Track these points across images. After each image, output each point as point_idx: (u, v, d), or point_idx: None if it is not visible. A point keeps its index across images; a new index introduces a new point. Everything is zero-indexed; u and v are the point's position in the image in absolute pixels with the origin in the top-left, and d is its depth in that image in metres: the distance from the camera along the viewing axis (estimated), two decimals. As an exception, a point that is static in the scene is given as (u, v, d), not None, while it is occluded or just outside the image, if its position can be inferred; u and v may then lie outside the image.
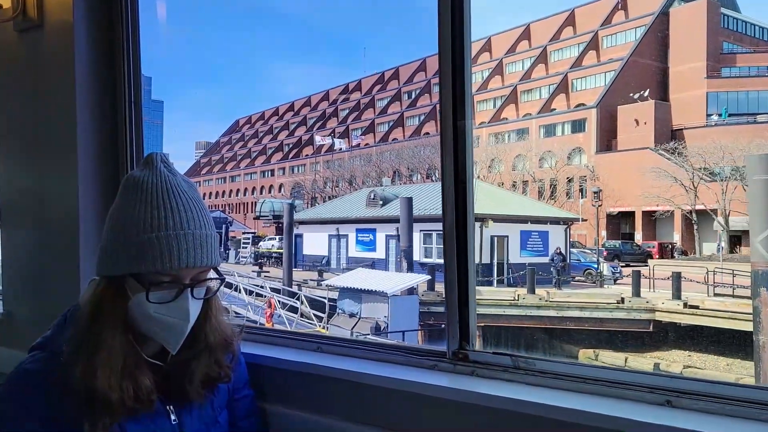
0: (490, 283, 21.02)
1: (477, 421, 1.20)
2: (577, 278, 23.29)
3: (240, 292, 18.56)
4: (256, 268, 27.13)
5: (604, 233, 33.20)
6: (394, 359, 1.40)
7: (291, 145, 65.48)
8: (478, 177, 37.73)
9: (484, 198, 23.55)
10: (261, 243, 35.37)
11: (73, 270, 1.83)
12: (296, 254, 26.48)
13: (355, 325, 14.56)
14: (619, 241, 34.39)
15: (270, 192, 59.21)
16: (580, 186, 41.08)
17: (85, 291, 1.16)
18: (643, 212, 38.30)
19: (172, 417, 1.16)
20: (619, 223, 39.97)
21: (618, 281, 22.60)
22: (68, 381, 1.04)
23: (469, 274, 1.36)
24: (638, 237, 37.88)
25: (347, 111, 63.82)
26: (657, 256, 31.16)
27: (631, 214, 39.48)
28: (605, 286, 21.79)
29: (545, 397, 1.17)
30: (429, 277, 17.59)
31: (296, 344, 1.55)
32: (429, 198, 23.49)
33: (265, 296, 18.36)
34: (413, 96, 58.49)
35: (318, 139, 55.48)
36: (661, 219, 37.36)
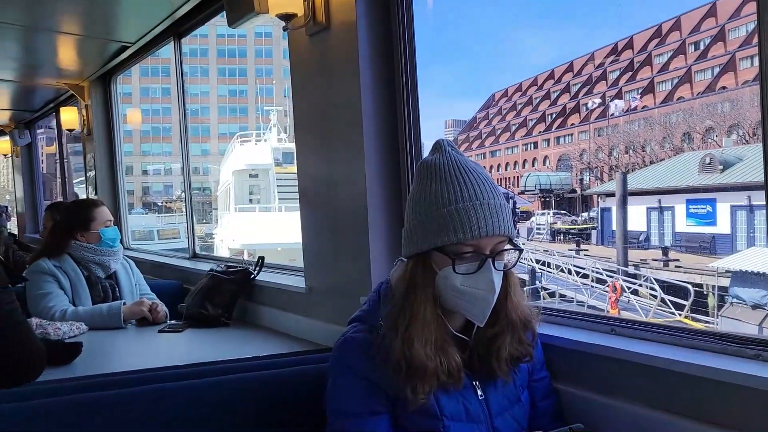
0: None
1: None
2: None
3: (571, 274, 17.50)
4: (569, 245, 25.40)
5: None
6: (702, 345, 1.33)
7: (554, 115, 63.81)
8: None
9: None
10: (533, 218, 34.69)
11: (363, 249, 2.07)
12: (603, 230, 24.98)
13: (765, 318, 12.16)
14: None
15: (533, 165, 58.57)
16: None
17: (394, 270, 1.33)
18: None
19: (479, 392, 1.27)
20: None
21: None
22: (388, 351, 1.21)
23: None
24: None
25: (618, 72, 59.66)
26: None
27: None
28: None
29: None
30: None
31: (588, 325, 1.57)
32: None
33: (588, 276, 16.99)
34: (701, 47, 52.02)
35: (591, 103, 52.89)
36: None
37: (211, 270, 2.98)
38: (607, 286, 15.31)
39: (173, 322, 2.76)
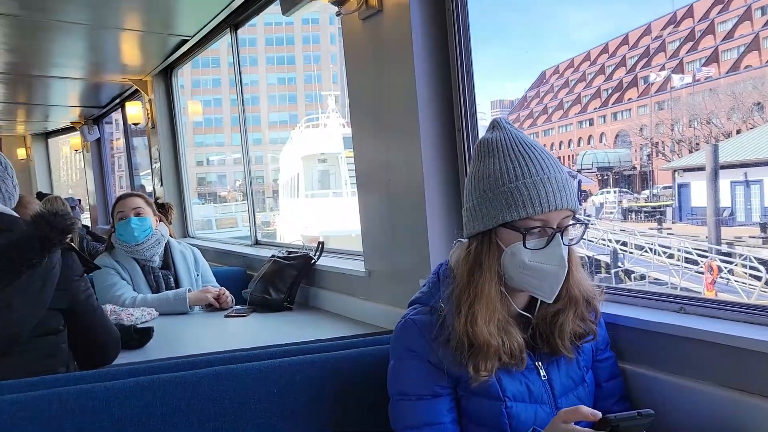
0: None
1: None
2: None
3: (657, 254, 16.07)
4: (650, 224, 23.51)
5: None
6: (777, 323, 1.28)
7: (610, 90, 61.86)
8: None
9: None
10: (592, 197, 33.62)
11: (421, 231, 2.07)
12: (681, 207, 24.11)
13: None
14: None
15: (589, 143, 56.95)
16: None
17: (453, 251, 1.33)
18: None
19: (542, 373, 1.26)
20: None
21: None
22: (450, 331, 1.21)
23: None
24: None
25: (677, 43, 57.27)
26: None
27: None
28: None
29: None
30: None
31: (656, 304, 1.53)
32: None
33: (673, 255, 15.50)
34: (770, 11, 49.28)
35: (653, 76, 50.84)
36: None
37: (273, 256, 3.03)
38: (702, 266, 14.23)
39: (239, 307, 2.84)
